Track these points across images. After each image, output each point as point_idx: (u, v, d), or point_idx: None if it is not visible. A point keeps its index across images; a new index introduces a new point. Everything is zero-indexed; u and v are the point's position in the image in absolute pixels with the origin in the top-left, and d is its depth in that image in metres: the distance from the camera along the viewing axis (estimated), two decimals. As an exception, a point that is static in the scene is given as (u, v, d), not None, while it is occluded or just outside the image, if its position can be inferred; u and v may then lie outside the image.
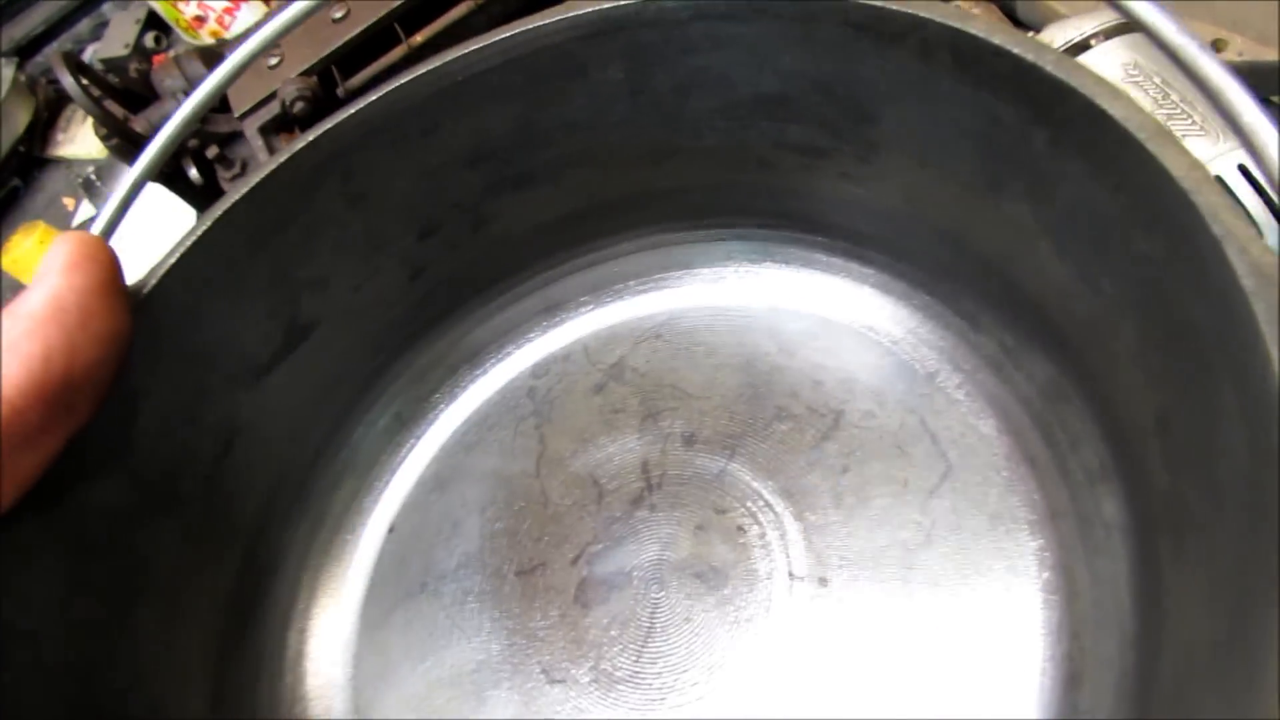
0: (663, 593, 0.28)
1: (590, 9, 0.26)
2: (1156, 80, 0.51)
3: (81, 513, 0.24)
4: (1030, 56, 0.20)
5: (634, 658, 0.27)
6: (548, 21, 0.26)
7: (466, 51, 0.27)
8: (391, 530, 0.32)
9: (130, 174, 0.25)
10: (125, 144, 0.52)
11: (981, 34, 0.21)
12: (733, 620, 0.27)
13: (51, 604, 0.23)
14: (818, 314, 0.32)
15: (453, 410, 0.35)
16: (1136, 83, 0.50)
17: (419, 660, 0.29)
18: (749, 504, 0.29)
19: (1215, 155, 0.48)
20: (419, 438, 0.34)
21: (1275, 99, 0.57)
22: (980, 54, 0.21)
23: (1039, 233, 0.23)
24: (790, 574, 0.27)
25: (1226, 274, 0.16)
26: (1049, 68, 0.20)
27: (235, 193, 0.26)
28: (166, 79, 0.55)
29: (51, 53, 0.81)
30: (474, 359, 0.35)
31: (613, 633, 0.28)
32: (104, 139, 0.53)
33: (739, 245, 0.33)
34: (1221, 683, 0.16)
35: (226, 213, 0.26)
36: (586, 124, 0.29)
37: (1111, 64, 0.56)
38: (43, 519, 0.22)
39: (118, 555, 0.25)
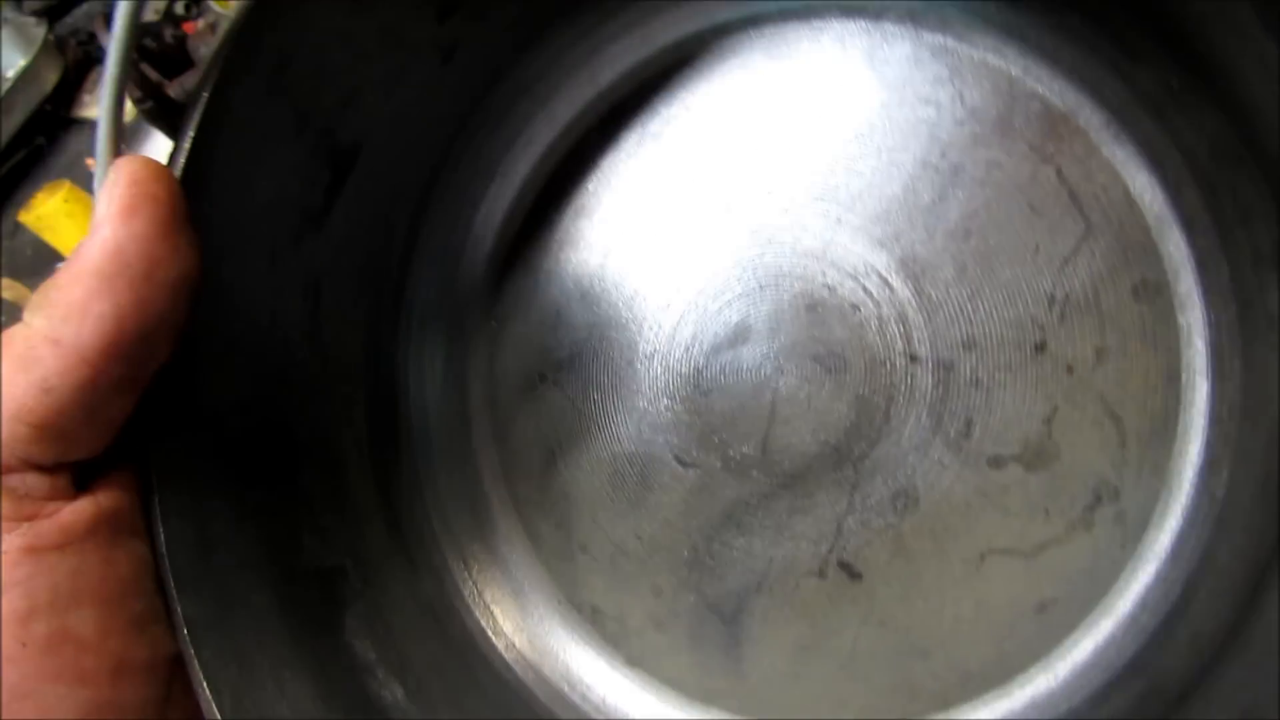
0: (781, 378, 0.27)
1: None
2: None
3: (216, 413, 0.24)
4: None
5: (759, 445, 0.28)
6: None
7: None
8: (494, 323, 0.31)
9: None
10: (159, 108, 0.52)
11: None
12: (853, 403, 0.26)
13: (229, 503, 0.24)
14: (926, 37, 0.26)
15: (522, 193, 0.31)
16: None
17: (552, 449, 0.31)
18: (861, 279, 0.27)
19: None
20: (494, 231, 0.32)
21: None
22: None
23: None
24: (910, 356, 0.26)
25: None
26: None
27: (223, 41, 0.22)
28: (202, 46, 0.56)
29: (87, 13, 0.78)
30: (529, 133, 0.31)
31: (736, 421, 0.28)
32: (137, 102, 0.52)
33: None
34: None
35: (224, 67, 0.22)
36: None
37: None
38: (185, 436, 0.23)
39: (263, 439, 0.26)
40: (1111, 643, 0.24)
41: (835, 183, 0.27)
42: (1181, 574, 0.23)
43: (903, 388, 0.26)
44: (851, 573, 0.26)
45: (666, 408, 0.29)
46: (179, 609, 0.20)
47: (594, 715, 0.28)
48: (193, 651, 0.20)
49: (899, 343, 0.26)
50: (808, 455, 0.27)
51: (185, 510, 0.21)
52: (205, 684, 0.20)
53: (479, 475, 0.31)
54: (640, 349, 0.29)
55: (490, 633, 0.30)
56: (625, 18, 0.30)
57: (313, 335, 0.28)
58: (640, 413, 0.29)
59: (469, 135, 0.31)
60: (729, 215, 0.29)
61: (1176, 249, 0.23)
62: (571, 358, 0.30)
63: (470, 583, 0.30)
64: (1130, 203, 0.24)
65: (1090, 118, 0.24)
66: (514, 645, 0.29)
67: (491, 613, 0.30)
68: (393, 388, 0.31)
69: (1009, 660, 0.25)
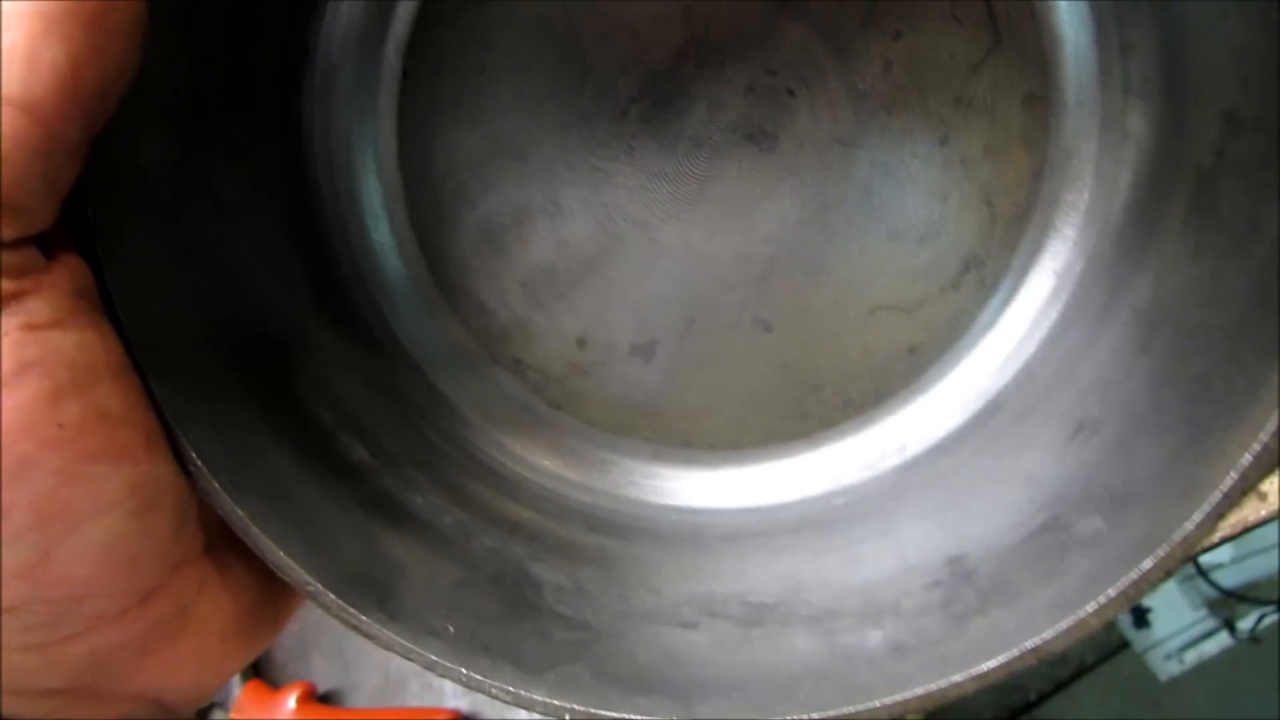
0: (713, 154, 0.30)
1: None
2: None
3: (148, 177, 0.23)
4: None
5: (689, 207, 0.31)
6: None
7: None
8: (406, 75, 0.31)
9: None
10: None
11: None
12: (781, 178, 0.30)
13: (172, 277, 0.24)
14: None
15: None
16: None
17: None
18: (799, 67, 0.30)
19: None
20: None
21: None
22: None
23: None
24: (839, 140, 0.30)
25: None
26: None
27: None
28: None
29: None
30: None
31: (666, 189, 0.31)
32: None
33: None
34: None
35: None
36: None
37: None
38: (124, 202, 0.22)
39: (195, 205, 0.25)
40: (963, 376, 0.31)
41: None
42: (1022, 325, 0.30)
43: (827, 169, 0.30)
44: (765, 325, 0.32)
45: (602, 170, 0.31)
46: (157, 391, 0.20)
47: (522, 453, 0.33)
48: (179, 432, 0.20)
49: (827, 127, 0.30)
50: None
51: (134, 285, 0.21)
52: (200, 462, 0.21)
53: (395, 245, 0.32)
54: (575, 112, 0.31)
55: (423, 391, 0.32)
56: None
57: (230, 91, 0.27)
58: (580, 177, 0.31)
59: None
60: None
61: (1063, 70, 0.28)
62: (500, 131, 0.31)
63: (399, 345, 0.32)
64: (1035, 25, 0.28)
65: None
66: (449, 401, 0.32)
67: (421, 371, 0.32)
68: (309, 145, 0.31)
69: (883, 390, 0.31)
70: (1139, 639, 1.27)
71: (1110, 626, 1.30)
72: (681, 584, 0.29)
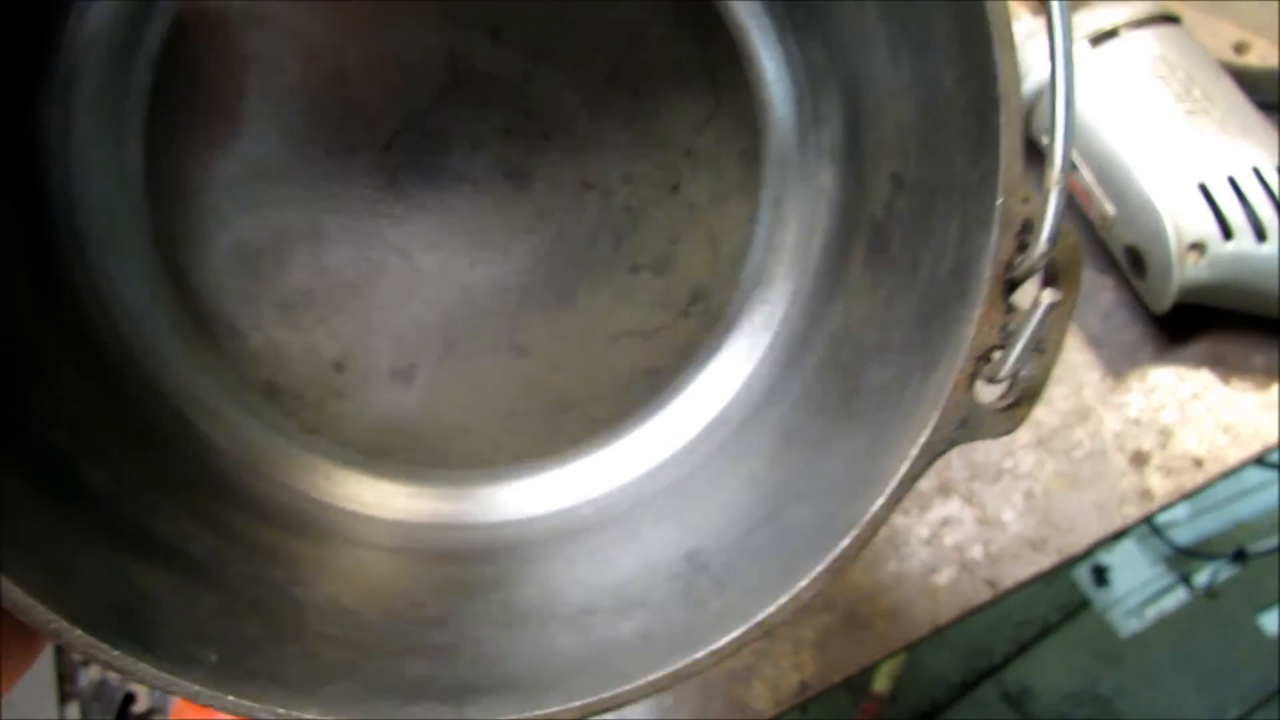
0: (473, 190, 0.33)
1: None
2: (1181, 75, 0.45)
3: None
4: None
5: (449, 237, 0.33)
6: None
7: None
8: (157, 89, 0.30)
9: None
10: None
11: None
12: (536, 215, 0.33)
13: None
14: None
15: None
16: (1162, 76, 0.44)
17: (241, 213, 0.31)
18: (553, 113, 0.33)
19: (1230, 154, 0.48)
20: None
21: None
22: None
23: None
24: (585, 183, 0.33)
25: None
26: None
27: None
28: None
29: None
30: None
31: (429, 220, 0.33)
32: None
33: None
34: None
35: None
36: None
37: (1139, 55, 0.48)
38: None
39: None
40: (694, 394, 0.35)
41: (541, 28, 0.32)
42: (741, 349, 0.35)
43: (574, 207, 0.33)
44: (521, 351, 0.34)
45: (362, 206, 0.32)
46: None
47: (277, 478, 0.32)
48: None
49: (575, 170, 0.33)
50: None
51: None
52: None
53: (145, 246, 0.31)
54: (337, 144, 0.32)
55: (169, 416, 0.31)
56: None
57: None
58: (336, 211, 0.31)
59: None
60: (435, 31, 0.32)
61: (770, 134, 0.34)
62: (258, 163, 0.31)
63: (142, 368, 0.31)
64: (748, 94, 0.33)
65: (738, 18, 0.33)
66: (196, 426, 0.31)
67: (167, 395, 0.31)
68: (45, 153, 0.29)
69: (625, 410, 0.35)
70: (1099, 597, 1.36)
71: (1072, 586, 1.39)
72: (445, 597, 0.30)
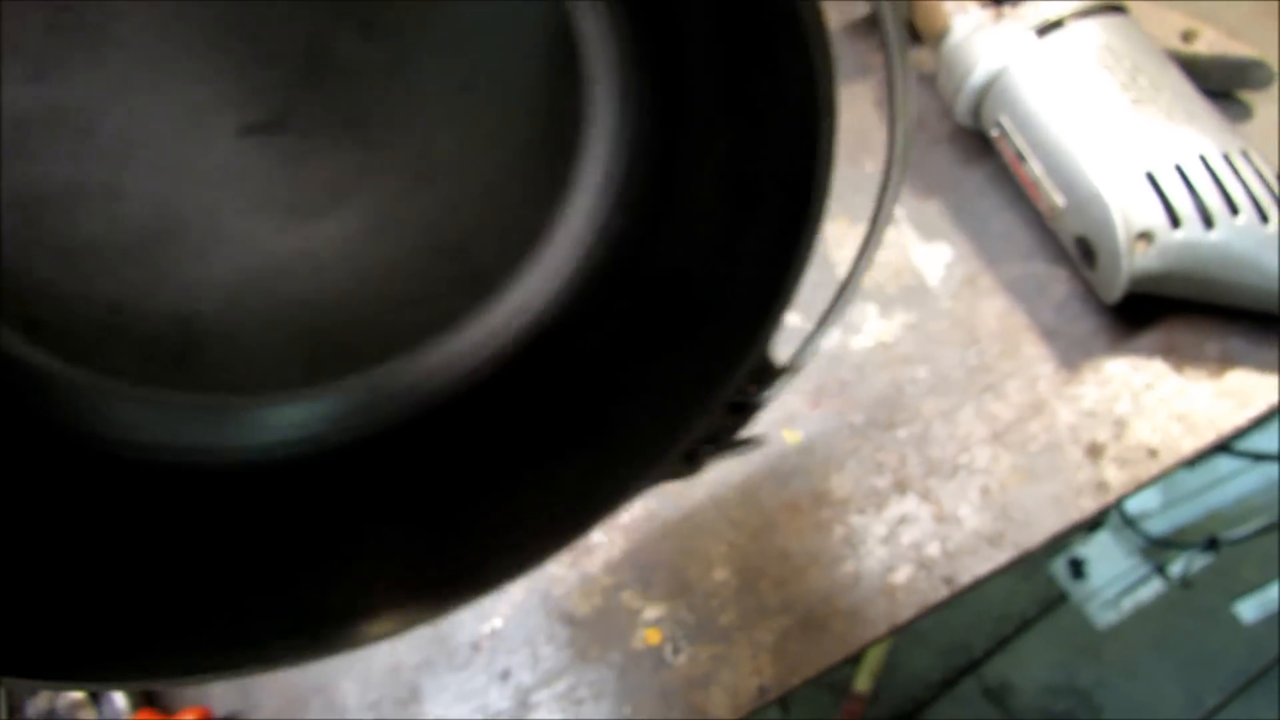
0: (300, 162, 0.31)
1: None
2: (1127, 64, 0.45)
3: None
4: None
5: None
6: None
7: None
8: None
9: None
10: None
11: None
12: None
13: None
14: None
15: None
16: (1107, 66, 0.44)
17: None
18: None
19: (1177, 142, 0.47)
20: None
21: (1239, 94, 0.51)
22: None
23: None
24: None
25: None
26: None
27: None
28: None
29: None
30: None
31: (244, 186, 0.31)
32: None
33: None
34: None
35: None
36: None
37: (1085, 45, 0.48)
38: None
39: None
40: None
41: None
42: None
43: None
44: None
45: None
46: None
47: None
48: None
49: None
50: None
51: None
52: None
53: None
54: None
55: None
56: None
57: None
58: None
59: None
60: None
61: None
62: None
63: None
64: None
65: None
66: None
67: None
68: None
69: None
70: (1076, 590, 1.36)
71: (1049, 579, 1.39)
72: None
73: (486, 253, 0.34)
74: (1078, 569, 1.41)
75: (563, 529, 0.28)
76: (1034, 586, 1.45)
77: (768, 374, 0.29)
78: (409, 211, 0.32)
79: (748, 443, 0.31)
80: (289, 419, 0.34)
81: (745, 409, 0.29)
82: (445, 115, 0.31)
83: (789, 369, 0.29)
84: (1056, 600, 1.43)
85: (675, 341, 0.31)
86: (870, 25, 0.66)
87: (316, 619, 0.26)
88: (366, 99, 0.30)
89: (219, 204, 0.30)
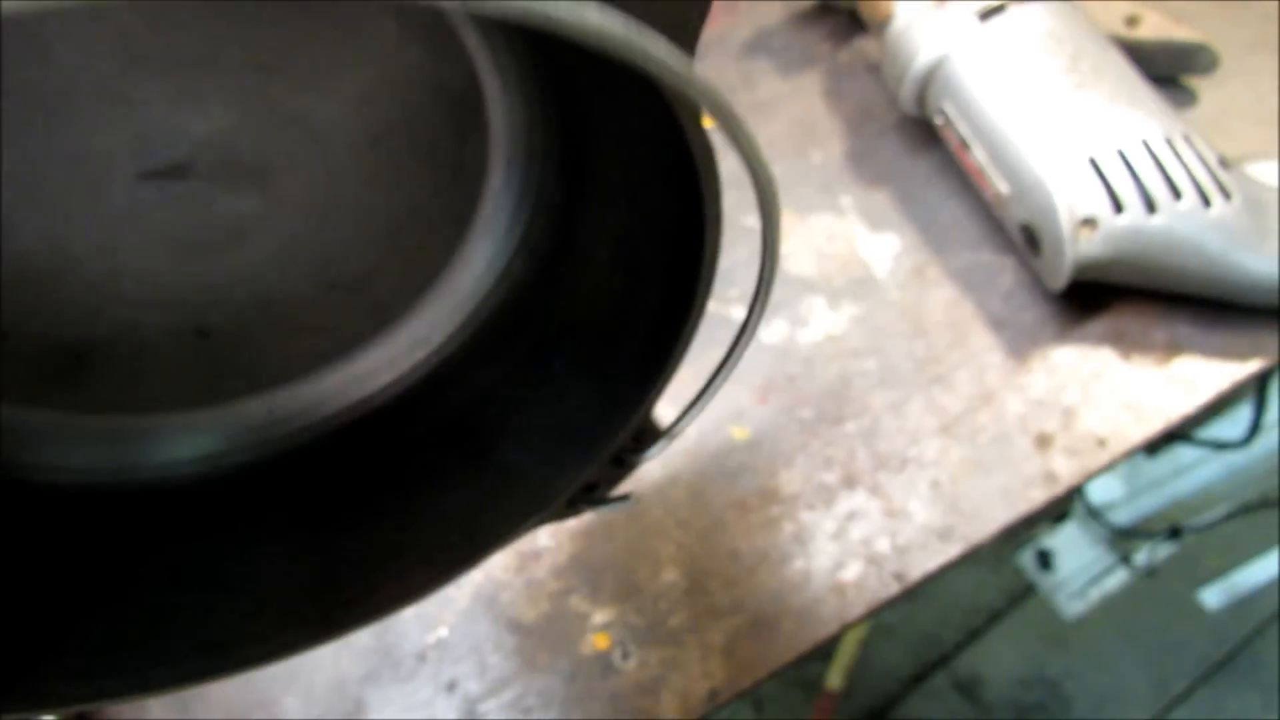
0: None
1: None
2: (1069, 49, 0.44)
3: None
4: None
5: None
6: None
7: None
8: None
9: None
10: None
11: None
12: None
13: None
14: None
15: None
16: (1049, 50, 0.43)
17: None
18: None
19: (1119, 127, 0.47)
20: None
21: (1184, 79, 0.50)
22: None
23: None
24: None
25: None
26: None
27: None
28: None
29: None
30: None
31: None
32: None
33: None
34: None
35: None
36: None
37: (1027, 29, 0.47)
38: None
39: None
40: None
41: None
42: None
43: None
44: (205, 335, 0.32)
45: None
46: None
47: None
48: None
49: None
50: None
51: None
52: None
53: None
54: None
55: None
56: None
57: None
58: None
59: None
60: None
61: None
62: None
63: None
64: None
65: None
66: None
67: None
68: None
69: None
70: (1044, 581, 1.36)
71: (1017, 571, 1.40)
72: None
73: (388, 287, 0.34)
74: (1045, 560, 1.42)
75: (450, 560, 0.28)
76: (1002, 579, 1.46)
77: (649, 435, 0.30)
78: (310, 248, 0.32)
79: (624, 499, 0.31)
80: (186, 440, 0.33)
81: (625, 465, 0.29)
82: (351, 165, 0.30)
83: (669, 433, 0.29)
84: (1024, 592, 1.44)
85: (566, 392, 0.31)
86: (817, 15, 0.65)
87: (203, 644, 0.25)
88: (271, 149, 0.29)
89: (116, 242, 0.29)
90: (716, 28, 0.66)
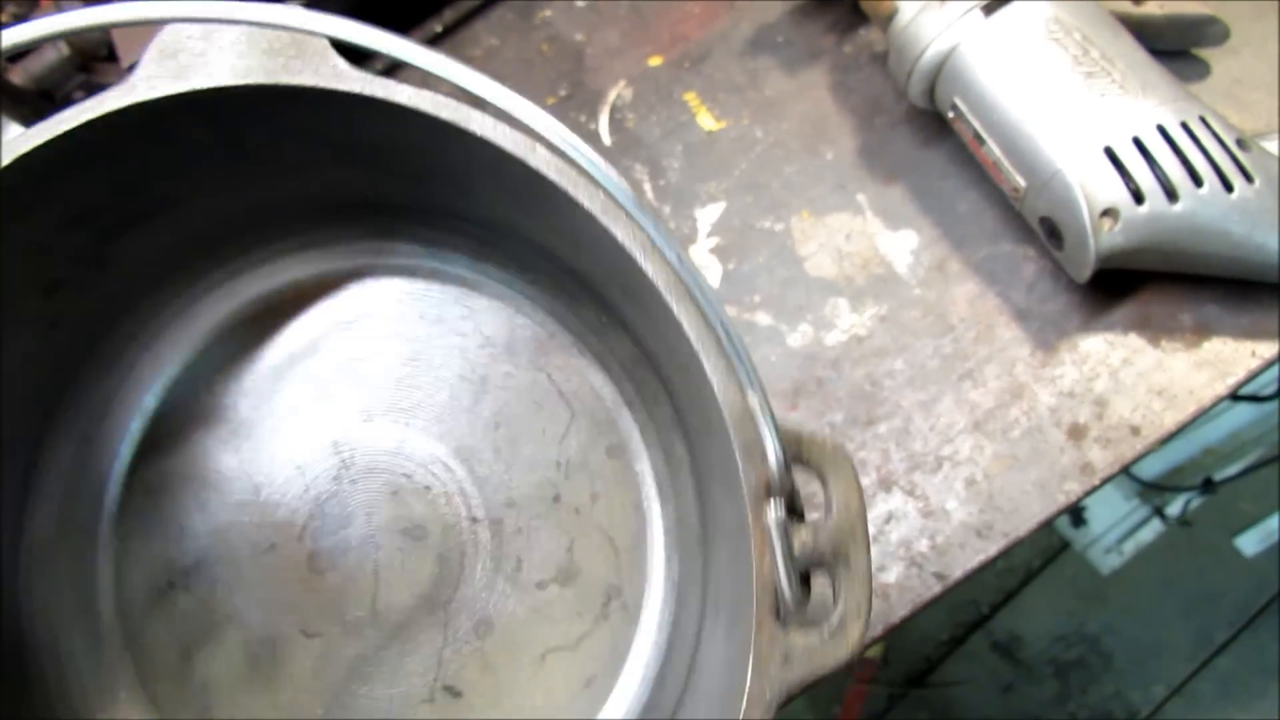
0: (380, 551, 0.36)
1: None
2: (1077, 36, 0.43)
3: None
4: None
5: (369, 607, 0.36)
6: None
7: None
8: (118, 542, 0.36)
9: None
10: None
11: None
12: (435, 560, 0.37)
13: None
14: (452, 290, 0.39)
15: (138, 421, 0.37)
16: (1057, 39, 0.42)
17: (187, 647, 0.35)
18: (429, 466, 0.37)
19: (1134, 114, 0.45)
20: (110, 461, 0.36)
21: (1195, 51, 0.49)
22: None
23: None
24: (472, 519, 0.35)
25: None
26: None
27: None
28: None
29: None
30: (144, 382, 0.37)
31: (347, 591, 0.36)
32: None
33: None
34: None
35: None
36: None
37: (1033, 19, 0.45)
38: None
39: None
40: (630, 692, 0.36)
41: (400, 396, 0.38)
42: (664, 637, 0.36)
43: (470, 543, 0.37)
44: (454, 693, 0.36)
45: (288, 591, 0.36)
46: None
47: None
48: None
49: (462, 509, 0.37)
50: (407, 608, 0.36)
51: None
52: None
53: (114, 688, 0.35)
54: (259, 545, 0.36)
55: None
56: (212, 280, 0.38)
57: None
58: (266, 600, 0.35)
59: (81, 382, 0.35)
60: (319, 428, 0.37)
61: (625, 421, 0.37)
62: (197, 563, 0.36)
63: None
64: (594, 394, 0.37)
65: (562, 338, 0.38)
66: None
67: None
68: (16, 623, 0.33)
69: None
70: (1078, 538, 1.36)
71: (1050, 529, 1.42)
72: None
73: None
74: (1078, 517, 1.42)
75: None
76: (1036, 537, 1.45)
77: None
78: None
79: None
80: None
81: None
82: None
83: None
84: (1059, 549, 1.44)
85: None
86: (818, 7, 0.65)
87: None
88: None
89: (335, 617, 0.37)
90: (718, 25, 0.66)
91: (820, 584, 0.27)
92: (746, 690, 0.24)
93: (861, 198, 0.58)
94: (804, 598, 0.25)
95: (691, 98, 0.62)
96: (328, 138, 0.30)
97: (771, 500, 0.26)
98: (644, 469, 0.37)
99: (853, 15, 0.63)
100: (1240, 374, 0.48)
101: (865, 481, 0.51)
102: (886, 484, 0.51)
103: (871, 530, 0.49)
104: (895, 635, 1.44)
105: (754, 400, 0.26)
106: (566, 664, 0.36)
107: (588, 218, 0.26)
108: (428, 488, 0.37)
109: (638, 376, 0.37)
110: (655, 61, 0.63)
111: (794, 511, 0.27)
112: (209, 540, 0.36)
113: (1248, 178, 0.45)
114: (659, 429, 0.37)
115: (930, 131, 0.58)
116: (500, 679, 0.36)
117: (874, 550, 0.50)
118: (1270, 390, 0.83)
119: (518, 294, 0.38)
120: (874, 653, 1.41)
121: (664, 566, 0.36)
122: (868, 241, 0.57)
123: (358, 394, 0.38)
